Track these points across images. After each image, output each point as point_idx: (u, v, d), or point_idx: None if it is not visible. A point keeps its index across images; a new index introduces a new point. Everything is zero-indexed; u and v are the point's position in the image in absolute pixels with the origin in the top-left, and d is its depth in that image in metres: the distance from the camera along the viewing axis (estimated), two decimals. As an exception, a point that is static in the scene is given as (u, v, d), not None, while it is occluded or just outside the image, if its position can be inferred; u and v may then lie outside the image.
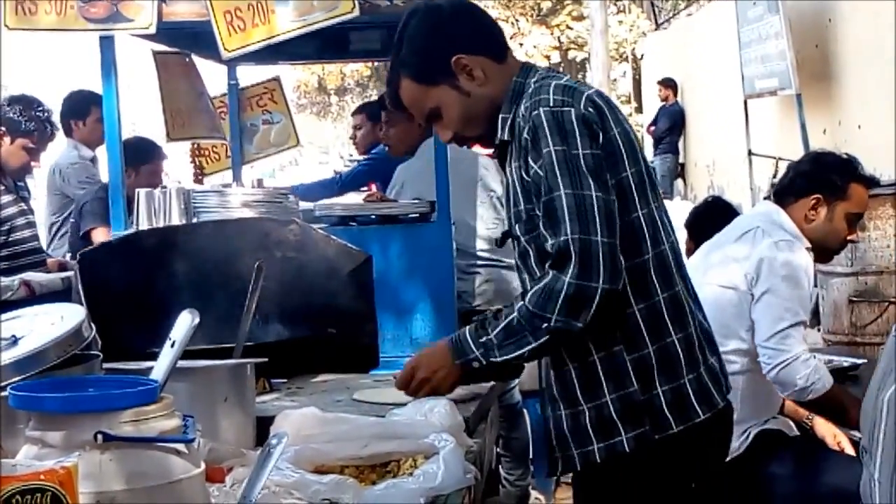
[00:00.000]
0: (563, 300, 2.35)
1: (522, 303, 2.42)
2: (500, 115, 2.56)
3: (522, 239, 2.53)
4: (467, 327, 2.55)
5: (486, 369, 2.53)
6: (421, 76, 2.59)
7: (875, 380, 2.68)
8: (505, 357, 2.47)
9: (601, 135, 2.44)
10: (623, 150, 2.48)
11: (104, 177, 5.61)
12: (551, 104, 2.43)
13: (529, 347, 2.43)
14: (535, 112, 2.43)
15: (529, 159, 2.43)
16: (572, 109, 2.43)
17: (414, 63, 2.60)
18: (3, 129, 5.17)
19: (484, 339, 2.49)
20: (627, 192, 2.47)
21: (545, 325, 2.38)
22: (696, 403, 2.51)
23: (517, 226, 2.54)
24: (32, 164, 5.36)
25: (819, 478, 3.62)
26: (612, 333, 2.46)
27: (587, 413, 2.51)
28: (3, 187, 5.10)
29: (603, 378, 2.49)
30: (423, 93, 2.61)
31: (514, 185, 2.54)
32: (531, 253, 2.52)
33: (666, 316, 2.51)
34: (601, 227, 2.35)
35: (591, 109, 2.45)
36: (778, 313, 3.60)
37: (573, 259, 2.33)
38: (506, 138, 2.56)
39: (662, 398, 2.48)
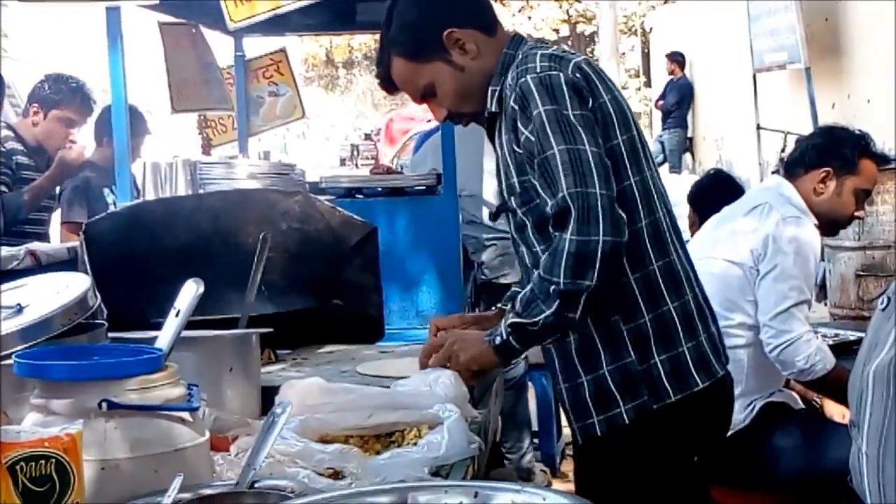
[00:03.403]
0: (566, 259, 2.30)
1: (537, 271, 2.39)
2: (490, 87, 2.54)
3: (519, 211, 2.52)
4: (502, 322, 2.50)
5: (516, 346, 2.48)
6: (413, 53, 2.56)
7: (861, 353, 2.68)
8: (516, 321, 2.42)
9: (590, 100, 2.43)
10: (614, 117, 2.46)
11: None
12: (538, 70, 2.41)
13: (544, 315, 2.37)
14: (522, 80, 2.41)
15: (519, 126, 2.41)
16: (560, 74, 2.41)
17: (405, 40, 2.56)
18: (36, 105, 5.17)
19: (508, 316, 2.45)
20: (619, 160, 2.45)
21: (553, 287, 2.34)
22: (694, 372, 2.50)
23: (512, 199, 2.52)
24: (71, 137, 5.31)
25: (823, 450, 3.63)
26: (608, 303, 2.45)
27: (586, 386, 2.51)
28: (32, 162, 5.11)
29: (601, 349, 2.48)
30: (415, 70, 2.57)
31: (504, 158, 2.53)
32: (528, 225, 2.51)
33: (661, 284, 2.50)
34: (598, 180, 2.32)
35: (578, 75, 2.43)
36: (782, 292, 3.60)
37: (572, 214, 2.30)
38: (494, 109, 2.55)
39: (661, 367, 2.48)
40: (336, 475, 2.05)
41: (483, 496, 1.56)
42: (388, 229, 4.49)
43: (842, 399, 3.74)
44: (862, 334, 4.51)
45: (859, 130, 3.93)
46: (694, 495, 2.67)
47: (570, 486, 5.32)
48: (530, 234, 2.52)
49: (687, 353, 2.51)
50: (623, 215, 2.34)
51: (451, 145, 4.80)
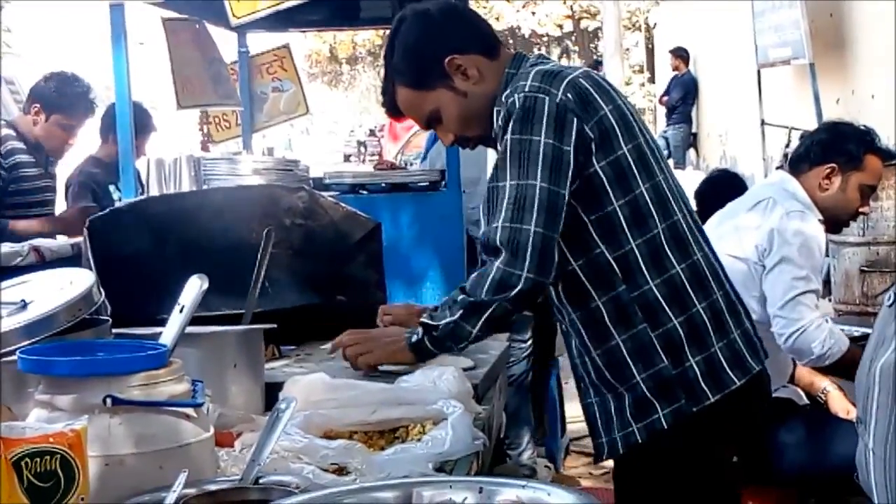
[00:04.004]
0: (490, 282, 2.38)
1: (463, 285, 2.47)
2: (495, 108, 2.54)
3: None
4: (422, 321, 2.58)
5: (429, 346, 2.56)
6: (416, 82, 2.58)
7: (868, 349, 2.68)
8: (425, 321, 2.51)
9: (584, 121, 2.40)
10: (616, 129, 2.44)
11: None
12: (527, 90, 2.40)
13: (445, 321, 2.47)
14: (511, 99, 2.41)
15: (500, 146, 2.43)
16: (546, 98, 2.39)
17: (408, 69, 2.58)
18: (38, 106, 5.11)
19: (423, 320, 2.53)
20: (626, 170, 2.45)
21: (463, 297, 2.44)
22: (729, 370, 2.49)
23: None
24: (70, 141, 5.28)
25: (828, 446, 3.62)
26: (633, 314, 2.45)
27: (625, 396, 2.50)
28: (32, 159, 5.08)
29: (630, 360, 2.47)
30: (420, 98, 2.59)
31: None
32: None
33: (688, 286, 2.48)
34: (537, 218, 2.34)
35: (569, 95, 2.40)
36: (789, 282, 3.60)
37: (503, 248, 2.35)
38: (495, 130, 2.55)
39: (696, 369, 2.46)
40: (340, 471, 2.05)
41: (488, 492, 1.57)
42: (391, 225, 4.50)
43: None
44: (866, 330, 4.53)
45: (864, 126, 3.93)
46: (731, 494, 2.68)
47: (573, 483, 5.32)
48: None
49: (719, 352, 2.49)
50: (556, 257, 2.38)
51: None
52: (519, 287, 2.35)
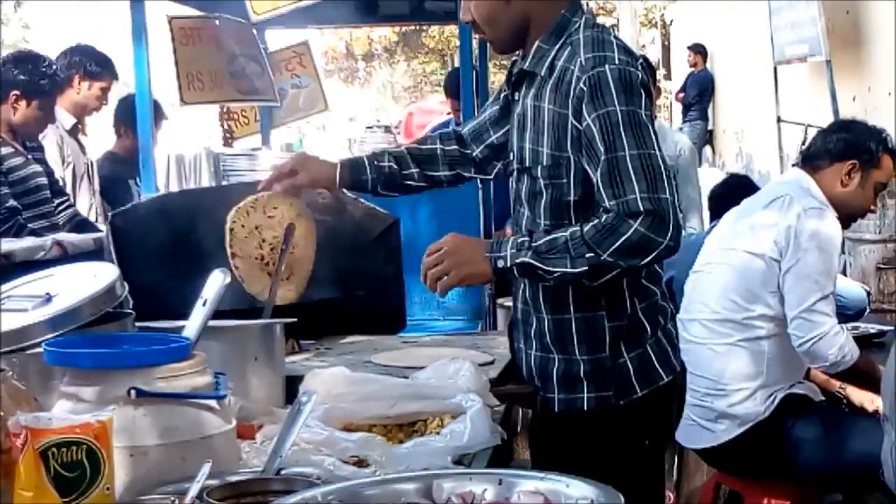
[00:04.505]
0: (623, 242, 2.34)
1: (577, 229, 2.39)
2: (537, 44, 2.53)
3: (540, 181, 2.53)
4: (513, 237, 2.50)
5: (516, 276, 2.49)
6: None
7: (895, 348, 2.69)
8: (532, 261, 2.41)
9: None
10: None
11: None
12: (617, 62, 2.43)
13: (564, 270, 2.39)
14: (601, 68, 2.41)
15: (584, 110, 2.41)
16: (637, 72, 2.44)
17: None
18: (18, 92, 5.01)
19: (523, 241, 2.42)
20: None
21: (592, 256, 2.36)
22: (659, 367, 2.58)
23: (536, 167, 2.53)
24: (49, 122, 5.21)
25: (844, 442, 3.63)
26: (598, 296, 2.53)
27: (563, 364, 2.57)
28: (11, 149, 4.99)
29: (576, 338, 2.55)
30: None
31: (536, 124, 2.52)
32: (544, 196, 2.53)
33: (643, 280, 2.58)
34: (668, 186, 2.37)
35: (645, 76, 2.47)
36: (808, 286, 3.61)
37: (647, 214, 2.34)
38: (533, 70, 2.54)
39: (630, 365, 2.55)
40: (360, 463, 2.07)
41: (507, 483, 1.59)
42: (410, 221, 4.51)
43: (869, 386, 3.77)
44: (882, 327, 4.54)
45: (876, 126, 3.98)
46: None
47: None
48: (542, 207, 2.54)
49: (650, 349, 2.58)
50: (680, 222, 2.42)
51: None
52: (656, 252, 2.36)
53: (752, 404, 3.67)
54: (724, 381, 3.71)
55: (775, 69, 11.79)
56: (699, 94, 16.55)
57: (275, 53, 6.13)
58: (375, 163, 2.87)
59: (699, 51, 16.66)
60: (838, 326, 3.63)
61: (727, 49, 16.12)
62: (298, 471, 1.84)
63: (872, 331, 4.49)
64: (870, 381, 3.75)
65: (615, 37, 2.54)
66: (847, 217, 3.86)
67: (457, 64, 7.74)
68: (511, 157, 2.65)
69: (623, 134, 2.38)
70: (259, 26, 5.48)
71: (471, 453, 2.18)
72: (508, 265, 2.43)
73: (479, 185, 4.88)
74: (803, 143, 10.01)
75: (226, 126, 6.30)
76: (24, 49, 5.41)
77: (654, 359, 2.57)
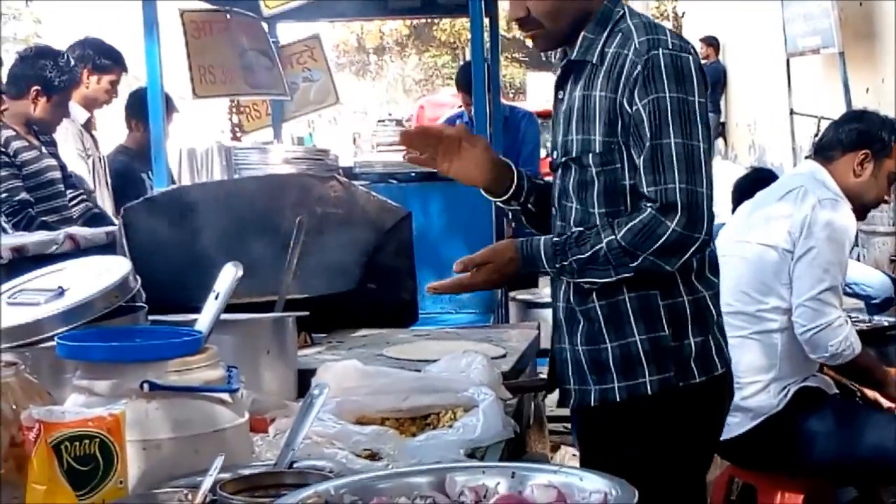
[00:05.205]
0: (661, 244, 2.37)
1: (614, 237, 2.40)
2: (584, 34, 2.52)
3: (592, 169, 2.49)
4: (542, 241, 2.50)
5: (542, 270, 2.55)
6: None
7: None
8: (574, 279, 2.49)
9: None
10: None
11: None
12: (670, 46, 2.43)
13: (607, 280, 2.45)
14: (655, 52, 2.41)
15: (636, 94, 2.41)
16: (690, 58, 2.44)
17: None
18: (39, 87, 5.03)
19: (561, 263, 2.46)
20: None
21: (633, 263, 2.40)
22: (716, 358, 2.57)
23: (587, 155, 2.49)
24: (66, 116, 5.24)
25: (858, 435, 3.62)
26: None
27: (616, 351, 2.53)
28: (25, 142, 5.00)
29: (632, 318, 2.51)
30: None
31: (589, 112, 2.49)
32: (596, 184, 2.49)
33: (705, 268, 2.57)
34: (706, 180, 2.39)
35: (698, 61, 2.47)
36: (817, 275, 3.60)
37: (680, 208, 2.36)
38: (582, 58, 2.52)
39: (693, 348, 2.52)
40: (373, 456, 2.07)
41: (520, 477, 1.58)
42: (421, 214, 4.51)
43: (865, 383, 3.77)
44: (894, 320, 4.53)
45: (887, 115, 3.97)
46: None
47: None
48: (594, 196, 2.50)
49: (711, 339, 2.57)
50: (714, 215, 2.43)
51: (484, 131, 4.83)
52: (693, 248, 2.39)
53: (766, 397, 3.67)
54: (738, 375, 3.67)
55: (788, 61, 11.76)
56: (711, 86, 16.46)
57: (286, 47, 6.13)
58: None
59: (711, 43, 16.61)
60: (842, 319, 3.62)
61: (739, 41, 16.07)
62: (311, 464, 1.84)
63: (885, 323, 4.47)
64: (868, 378, 3.76)
65: (649, 20, 2.54)
66: (861, 208, 3.85)
67: (468, 57, 7.74)
68: (555, 155, 2.61)
69: (670, 121, 2.39)
70: (270, 20, 5.48)
71: (483, 446, 2.17)
72: (546, 267, 2.50)
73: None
74: (816, 136, 9.99)
75: (235, 120, 6.30)
76: (42, 44, 5.42)
77: (713, 347, 2.56)
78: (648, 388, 2.50)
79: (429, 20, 26.02)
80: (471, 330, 3.56)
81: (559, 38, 2.58)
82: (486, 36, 5.80)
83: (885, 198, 3.94)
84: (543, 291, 5.26)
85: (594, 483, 1.52)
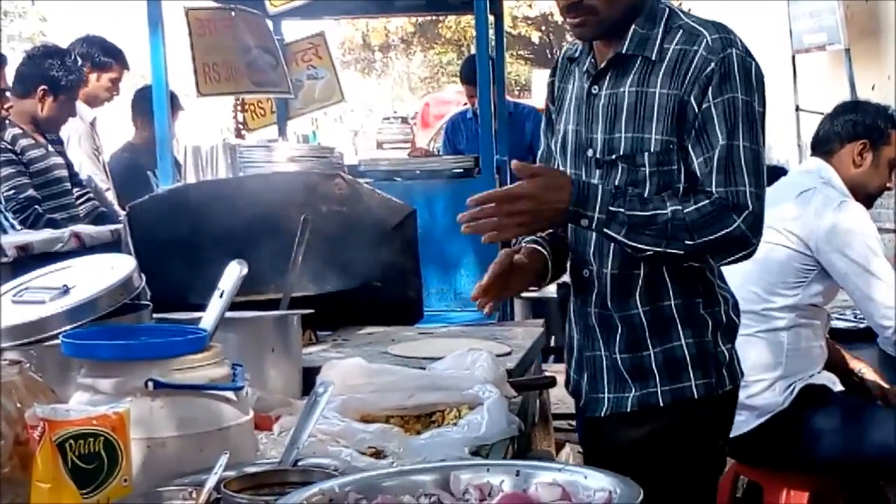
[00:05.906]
0: (723, 234, 2.34)
1: (680, 209, 2.34)
2: (634, 27, 2.45)
3: (646, 168, 2.42)
4: (600, 184, 2.38)
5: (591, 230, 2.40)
6: None
7: None
8: (619, 236, 2.34)
9: None
10: None
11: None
12: (741, 49, 2.43)
13: (651, 249, 2.34)
14: (729, 51, 2.39)
15: (709, 93, 2.37)
16: (755, 63, 2.44)
17: None
18: (46, 87, 5.03)
19: (616, 209, 2.33)
20: None
21: (689, 241, 2.34)
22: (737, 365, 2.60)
23: (641, 154, 2.42)
24: (73, 115, 5.26)
25: (864, 432, 3.62)
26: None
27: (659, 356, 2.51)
28: (32, 140, 5.00)
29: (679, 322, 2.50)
30: None
31: (641, 110, 2.43)
32: (648, 185, 2.42)
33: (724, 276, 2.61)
34: (765, 188, 2.40)
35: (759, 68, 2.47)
36: (870, 282, 3.64)
37: (751, 211, 2.35)
38: (635, 53, 2.45)
39: (727, 355, 2.55)
40: (378, 454, 2.07)
41: (525, 475, 1.57)
42: (426, 212, 4.51)
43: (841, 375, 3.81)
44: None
45: (880, 103, 3.97)
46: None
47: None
48: (645, 195, 2.41)
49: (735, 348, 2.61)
50: None
51: (489, 127, 4.82)
52: (745, 252, 2.38)
53: (771, 395, 3.66)
54: (744, 373, 3.69)
55: (793, 58, 11.74)
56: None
57: (291, 45, 6.12)
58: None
59: (717, 40, 16.59)
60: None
61: (745, 38, 15.98)
62: (316, 462, 1.83)
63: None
64: (839, 370, 3.80)
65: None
66: (866, 197, 3.86)
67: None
68: (590, 153, 2.50)
69: (741, 124, 2.37)
70: (275, 18, 5.49)
71: (488, 444, 2.17)
72: (593, 228, 2.35)
73: (496, 177, 4.87)
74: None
75: (239, 118, 6.30)
76: (49, 44, 5.44)
77: (736, 357, 2.58)
78: (694, 391, 2.49)
79: (434, 17, 26.01)
80: (476, 327, 3.56)
81: (610, 26, 2.46)
82: (491, 33, 5.80)
83: (888, 185, 3.93)
84: (549, 289, 5.26)
85: (599, 481, 1.51)
